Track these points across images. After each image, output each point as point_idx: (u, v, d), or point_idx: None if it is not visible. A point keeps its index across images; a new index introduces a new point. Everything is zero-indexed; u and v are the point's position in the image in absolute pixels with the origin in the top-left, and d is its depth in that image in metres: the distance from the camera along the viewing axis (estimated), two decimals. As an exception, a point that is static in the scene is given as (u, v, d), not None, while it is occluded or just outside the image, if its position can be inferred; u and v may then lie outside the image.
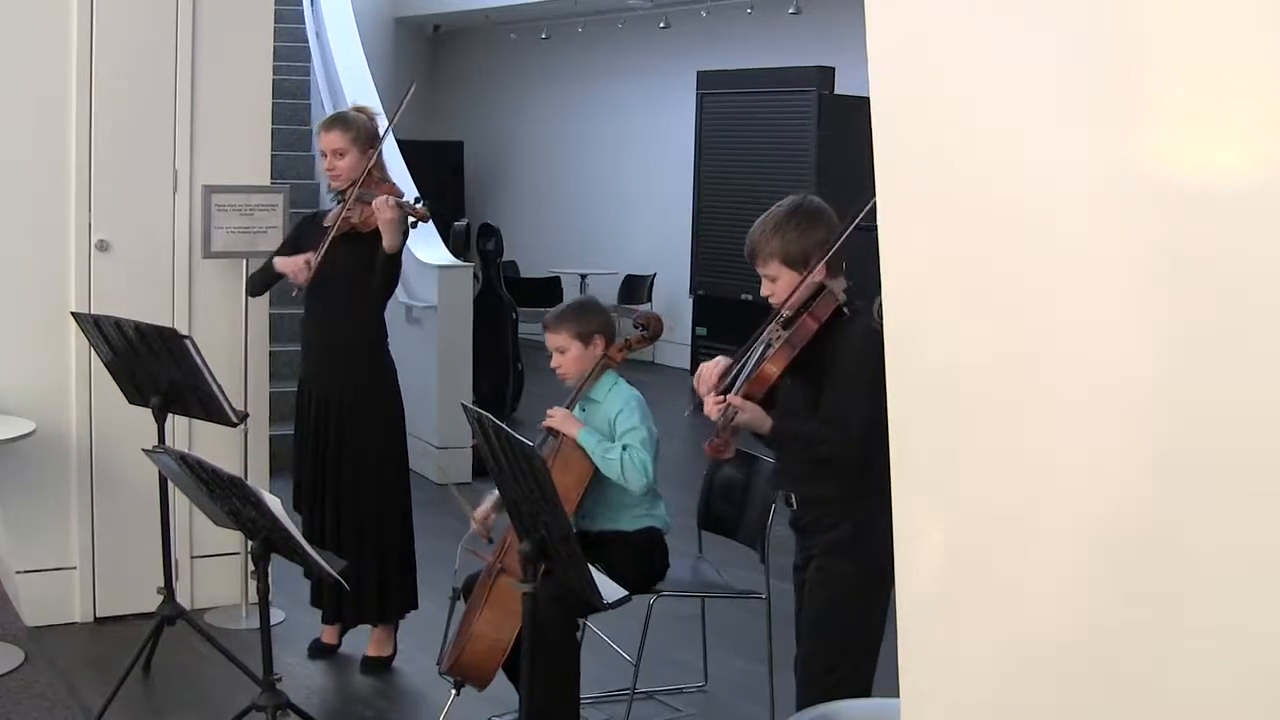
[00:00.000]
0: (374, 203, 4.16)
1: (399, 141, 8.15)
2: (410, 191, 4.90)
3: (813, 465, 3.13)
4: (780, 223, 3.11)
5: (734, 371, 3.15)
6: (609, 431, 3.70)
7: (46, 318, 4.68)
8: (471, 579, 3.80)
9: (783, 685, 3.69)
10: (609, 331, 3.80)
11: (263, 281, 4.63)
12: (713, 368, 3.18)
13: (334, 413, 4.39)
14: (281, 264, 4.46)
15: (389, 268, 4.28)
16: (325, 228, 4.34)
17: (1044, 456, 1.45)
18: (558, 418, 3.73)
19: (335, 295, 4.36)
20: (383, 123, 4.55)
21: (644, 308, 10.64)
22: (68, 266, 4.70)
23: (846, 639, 3.14)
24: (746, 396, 3.09)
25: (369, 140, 4.38)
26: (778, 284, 3.12)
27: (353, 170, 4.32)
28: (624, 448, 3.63)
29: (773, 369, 3.07)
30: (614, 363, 3.79)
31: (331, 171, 4.36)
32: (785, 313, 3.12)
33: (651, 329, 3.85)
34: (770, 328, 3.13)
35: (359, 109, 4.51)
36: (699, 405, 3.23)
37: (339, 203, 4.35)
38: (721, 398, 3.07)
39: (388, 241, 4.18)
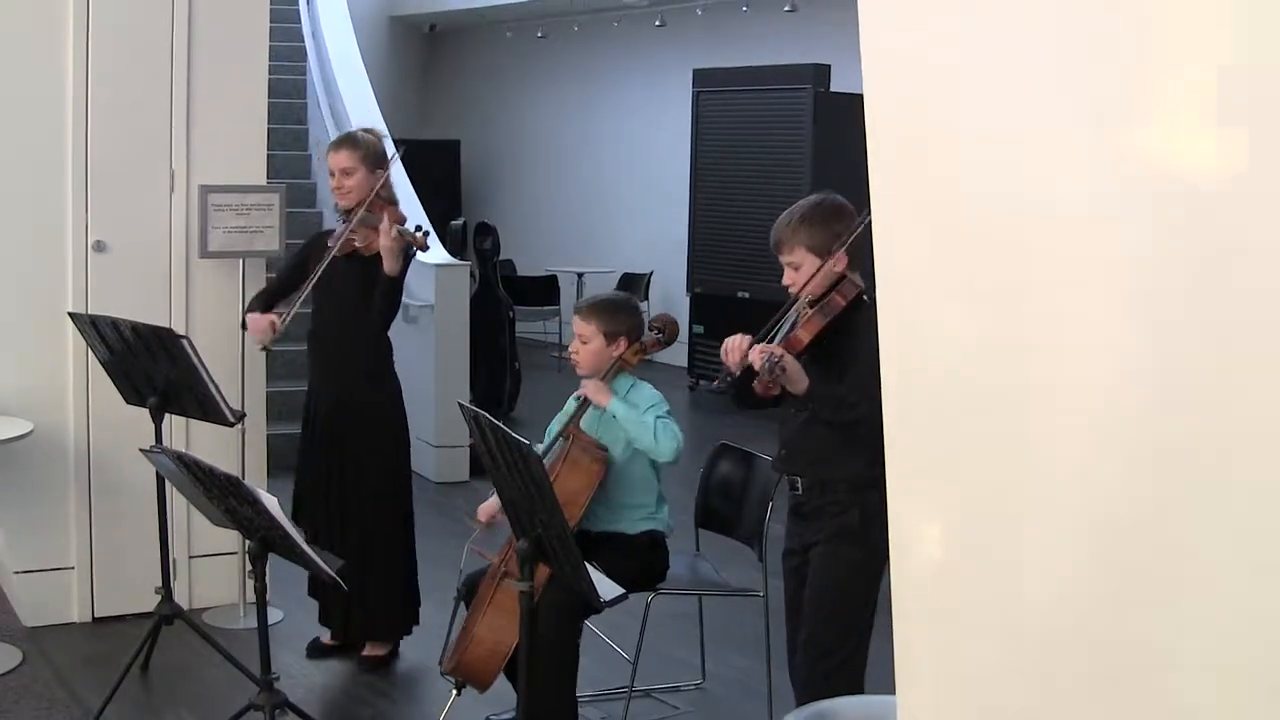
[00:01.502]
0: (378, 228, 4.21)
1: (394, 140, 8.14)
2: (420, 218, 4.90)
3: (837, 432, 3.19)
4: (806, 214, 3.28)
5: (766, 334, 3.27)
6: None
7: (44, 318, 4.67)
8: (471, 580, 3.79)
9: (780, 682, 3.70)
10: (635, 335, 3.81)
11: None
12: (740, 339, 3.24)
13: (337, 428, 4.41)
14: (251, 325, 4.46)
15: (390, 292, 4.32)
16: (329, 248, 4.36)
17: (1041, 453, 1.45)
18: (590, 387, 3.74)
19: (339, 314, 4.41)
20: (389, 145, 4.56)
21: (642, 306, 10.63)
22: (65, 267, 4.69)
23: (847, 624, 3.24)
24: None
25: (376, 160, 4.42)
26: (801, 271, 3.26)
27: (361, 189, 4.34)
28: (656, 417, 3.64)
29: (804, 335, 3.22)
30: (629, 365, 3.79)
31: (339, 190, 4.39)
32: (809, 296, 3.24)
33: (668, 333, 3.86)
34: (796, 307, 3.27)
35: (366, 131, 4.53)
36: (727, 379, 3.24)
37: (344, 222, 4.37)
38: (766, 346, 3.18)
39: (388, 265, 4.24)
